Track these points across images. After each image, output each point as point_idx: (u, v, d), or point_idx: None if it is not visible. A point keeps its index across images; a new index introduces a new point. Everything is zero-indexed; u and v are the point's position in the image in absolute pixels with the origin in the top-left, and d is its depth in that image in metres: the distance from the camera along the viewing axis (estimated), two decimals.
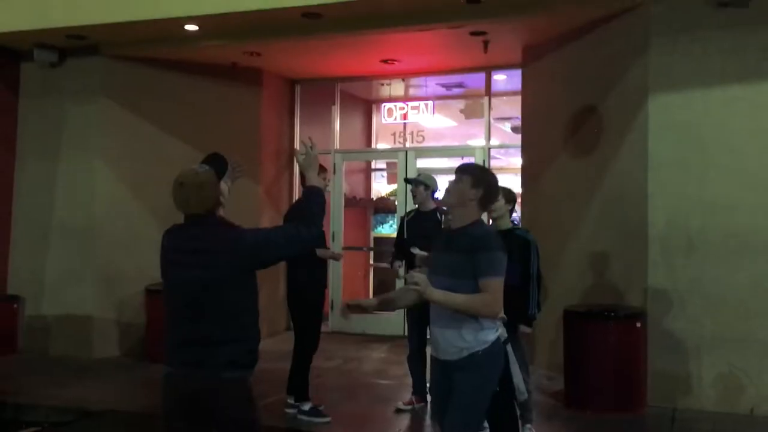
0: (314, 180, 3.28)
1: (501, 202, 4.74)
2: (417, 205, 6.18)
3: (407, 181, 6.45)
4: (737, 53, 6.01)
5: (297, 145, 9.65)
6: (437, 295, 3.30)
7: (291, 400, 5.77)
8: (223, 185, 3.20)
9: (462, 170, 3.57)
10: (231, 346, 3.04)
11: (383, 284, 9.64)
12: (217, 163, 3.23)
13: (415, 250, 5.34)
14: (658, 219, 6.18)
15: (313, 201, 3.25)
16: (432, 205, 6.09)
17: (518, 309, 4.70)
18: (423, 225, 6.02)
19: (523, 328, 4.90)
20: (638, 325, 5.99)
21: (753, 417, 5.84)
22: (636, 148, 6.35)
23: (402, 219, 6.46)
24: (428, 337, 3.98)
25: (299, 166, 3.33)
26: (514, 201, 5.11)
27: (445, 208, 6.72)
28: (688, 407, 5.99)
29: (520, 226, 5.38)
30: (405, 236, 6.12)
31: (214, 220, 3.12)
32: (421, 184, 6.07)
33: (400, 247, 6.17)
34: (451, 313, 3.36)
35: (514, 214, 6.26)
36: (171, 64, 8.30)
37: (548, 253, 5.76)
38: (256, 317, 3.17)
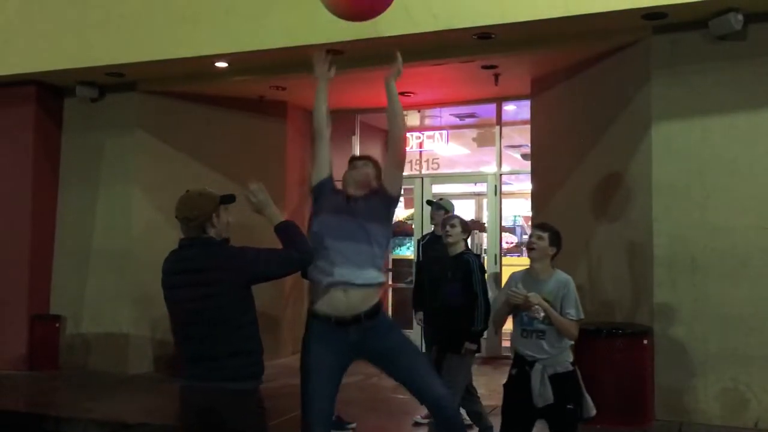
0: (275, 216, 3.36)
1: (458, 229, 5.06)
2: (432, 228, 6.20)
3: (429, 203, 6.46)
4: (735, 83, 6.00)
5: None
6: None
7: None
8: (224, 215, 3.21)
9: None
10: (236, 359, 3.07)
11: (401, 303, 9.62)
12: (227, 196, 3.27)
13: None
14: (662, 241, 6.14)
15: (289, 233, 3.35)
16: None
17: (463, 327, 4.88)
18: (437, 248, 6.02)
19: (469, 345, 4.94)
20: (645, 342, 5.94)
21: (757, 430, 5.74)
22: (640, 174, 6.34)
23: (418, 243, 6.47)
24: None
25: (254, 211, 3.35)
26: (469, 232, 5.36)
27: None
28: (693, 421, 5.90)
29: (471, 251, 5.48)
30: (421, 258, 6.14)
31: (206, 241, 3.14)
32: (442, 208, 6.11)
33: (419, 297, 6.13)
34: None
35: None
36: (202, 98, 8.42)
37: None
38: (256, 329, 3.19)
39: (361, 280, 3.62)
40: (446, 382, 4.13)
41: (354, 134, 9.81)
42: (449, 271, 5.06)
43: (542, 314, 3.78)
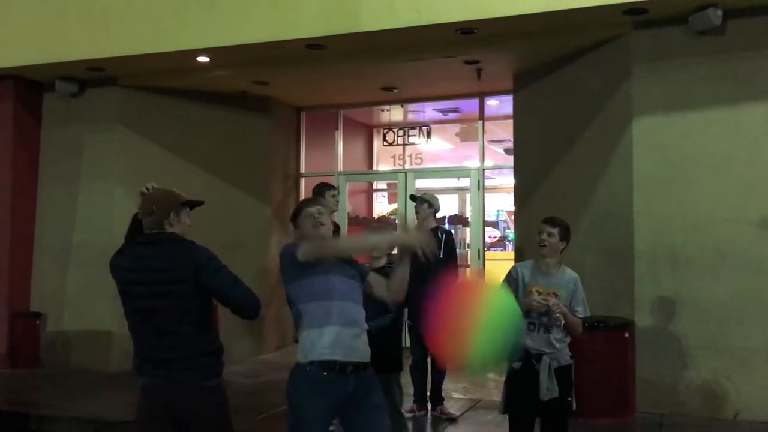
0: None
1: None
2: (417, 223, 6.18)
3: (412, 198, 6.41)
4: (714, 79, 6.05)
5: (303, 168, 9.70)
6: None
7: None
8: (184, 216, 3.19)
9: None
10: (201, 357, 3.06)
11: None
12: (193, 201, 3.25)
13: None
14: (643, 235, 6.19)
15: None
16: (433, 224, 6.09)
17: None
18: None
19: None
20: (626, 335, 5.99)
21: (736, 422, 5.81)
22: (621, 169, 6.38)
23: None
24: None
25: None
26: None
27: (447, 227, 6.77)
28: (674, 413, 5.97)
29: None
30: None
31: (166, 237, 3.11)
32: (425, 202, 6.07)
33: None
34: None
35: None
36: (184, 93, 8.36)
37: None
38: (215, 328, 3.19)
39: (363, 324, 3.26)
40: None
41: (337, 129, 9.80)
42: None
43: (563, 321, 3.79)
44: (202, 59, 7.31)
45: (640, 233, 6.20)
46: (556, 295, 3.84)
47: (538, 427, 3.93)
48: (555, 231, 3.90)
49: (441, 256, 6.06)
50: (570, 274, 3.97)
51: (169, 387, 3.05)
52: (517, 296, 3.86)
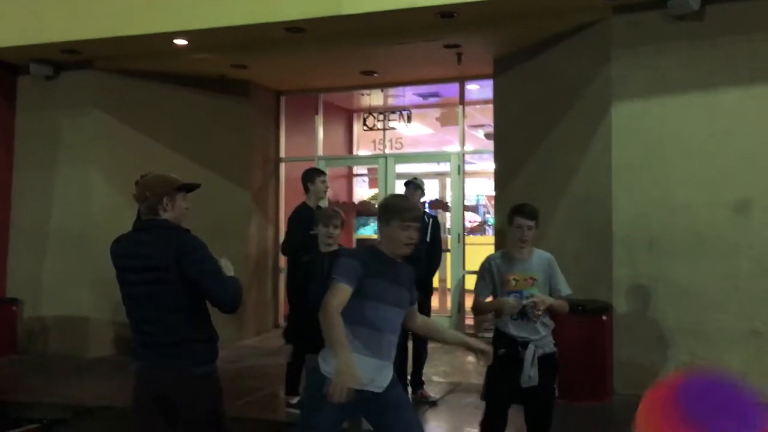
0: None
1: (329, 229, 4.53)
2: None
3: (408, 183, 6.41)
4: (693, 63, 6.09)
5: (283, 153, 9.64)
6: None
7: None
8: (179, 200, 3.16)
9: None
10: (193, 344, 3.07)
11: None
12: (188, 184, 3.22)
13: None
14: (622, 219, 6.25)
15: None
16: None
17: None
18: None
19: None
20: (604, 318, 6.05)
21: None
22: (600, 153, 6.42)
23: None
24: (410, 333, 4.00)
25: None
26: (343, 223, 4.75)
27: (432, 212, 6.82)
28: None
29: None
30: None
31: (158, 223, 3.10)
32: (419, 188, 6.17)
33: None
34: None
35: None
36: (162, 77, 8.25)
37: None
38: (208, 315, 3.17)
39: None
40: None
41: (317, 113, 9.75)
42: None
43: (543, 315, 3.79)
44: (180, 42, 7.22)
45: (618, 217, 6.25)
46: (534, 280, 3.84)
47: (516, 415, 3.94)
48: (533, 224, 3.85)
49: (428, 241, 6.14)
50: (543, 255, 3.95)
51: (162, 372, 3.06)
52: (494, 288, 3.88)
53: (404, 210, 3.17)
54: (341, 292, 3.00)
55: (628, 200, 6.23)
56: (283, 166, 9.63)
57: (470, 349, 3.38)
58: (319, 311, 3.00)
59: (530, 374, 3.75)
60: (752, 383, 1.18)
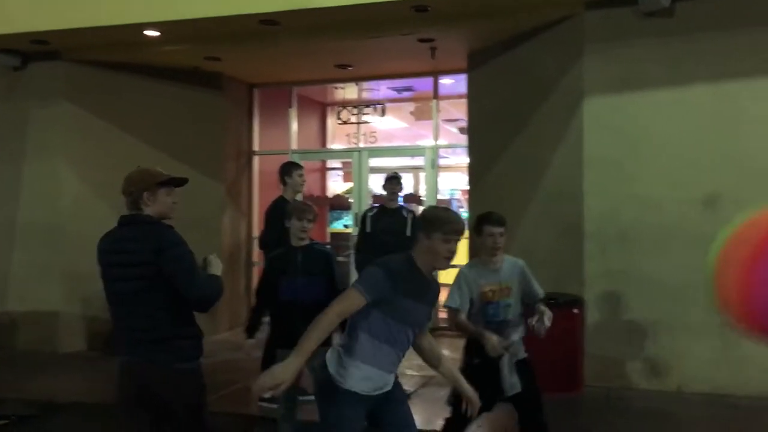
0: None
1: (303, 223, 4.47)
2: (381, 203, 6.36)
3: (391, 177, 6.46)
4: (663, 60, 6.17)
5: (256, 146, 9.59)
6: None
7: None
8: (163, 195, 3.13)
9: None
10: (176, 340, 3.07)
11: (340, 276, 9.63)
12: (174, 179, 3.21)
13: None
14: (593, 214, 6.32)
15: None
16: (398, 203, 6.35)
17: None
18: (390, 221, 6.20)
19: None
20: (575, 311, 6.12)
21: (680, 393, 6.02)
22: (573, 148, 6.48)
23: (365, 214, 6.49)
24: None
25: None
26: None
27: (410, 206, 6.89)
28: (622, 386, 6.15)
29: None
30: (369, 230, 6.23)
31: (140, 218, 3.08)
32: (401, 183, 6.36)
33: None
34: None
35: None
36: (133, 68, 8.14)
37: None
38: (191, 311, 3.16)
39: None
40: None
41: (291, 107, 9.70)
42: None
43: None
44: (151, 33, 7.13)
45: (589, 212, 6.33)
46: (510, 289, 3.85)
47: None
48: (503, 230, 3.86)
49: (408, 235, 6.21)
50: (514, 262, 3.96)
51: (146, 367, 3.05)
52: (471, 300, 3.84)
53: (446, 222, 3.09)
54: (353, 302, 2.96)
55: (599, 195, 6.31)
56: (256, 160, 9.57)
57: (461, 392, 3.34)
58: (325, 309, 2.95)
59: (512, 382, 3.77)
60: None
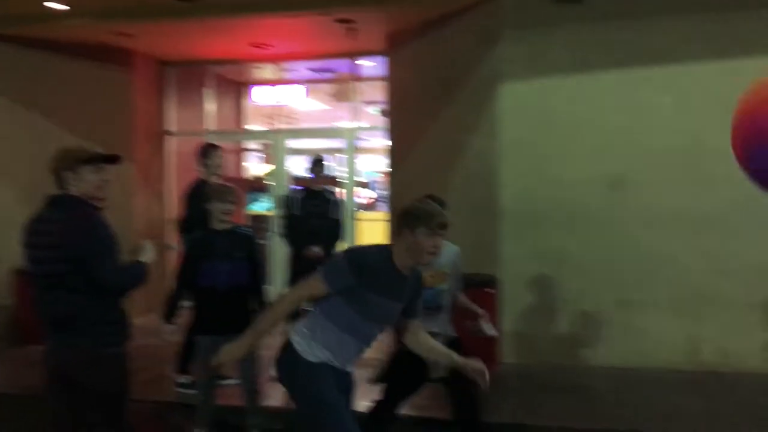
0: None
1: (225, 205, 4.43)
2: (306, 186, 6.37)
3: (316, 161, 6.43)
4: (574, 46, 6.39)
5: (170, 127, 9.33)
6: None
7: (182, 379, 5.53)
8: (88, 173, 3.02)
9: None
10: (99, 325, 3.00)
11: (262, 260, 9.54)
12: (101, 156, 3.11)
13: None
14: (508, 194, 6.50)
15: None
16: (321, 187, 6.37)
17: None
18: (316, 203, 6.22)
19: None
20: (490, 290, 6.28)
21: (590, 368, 6.30)
22: (489, 132, 6.63)
23: (292, 198, 6.42)
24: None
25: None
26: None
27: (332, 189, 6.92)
28: (536, 362, 6.38)
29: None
30: (298, 213, 6.22)
31: (61, 198, 2.99)
32: (324, 166, 6.33)
33: (297, 240, 6.20)
34: None
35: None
36: (38, 43, 7.75)
37: None
38: (116, 296, 3.10)
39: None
40: None
41: (207, 86, 9.48)
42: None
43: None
44: (56, 6, 6.80)
45: (505, 193, 6.50)
46: (446, 274, 3.88)
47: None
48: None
49: (332, 217, 6.21)
50: (451, 248, 3.96)
51: (68, 352, 2.97)
52: None
53: (431, 216, 3.00)
54: (312, 290, 2.92)
55: (514, 177, 6.49)
56: (171, 141, 9.31)
57: (465, 371, 3.23)
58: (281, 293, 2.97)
59: (440, 364, 3.72)
60: None
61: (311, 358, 2.96)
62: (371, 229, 8.99)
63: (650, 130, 6.28)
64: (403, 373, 3.82)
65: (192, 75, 9.53)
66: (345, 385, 3.08)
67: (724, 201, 6.04)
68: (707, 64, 6.15)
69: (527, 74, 6.48)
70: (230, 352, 2.93)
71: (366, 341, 3.07)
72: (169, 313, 4.33)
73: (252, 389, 4.35)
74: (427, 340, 3.27)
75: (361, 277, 2.87)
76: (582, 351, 6.38)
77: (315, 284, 2.91)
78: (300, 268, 6.15)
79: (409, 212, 3.04)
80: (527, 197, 6.46)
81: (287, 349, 3.01)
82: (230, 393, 4.75)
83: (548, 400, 5.54)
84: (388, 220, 7.92)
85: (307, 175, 6.55)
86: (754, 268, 6.08)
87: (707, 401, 5.45)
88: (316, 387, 2.93)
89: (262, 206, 10.24)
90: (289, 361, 2.99)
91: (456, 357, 3.24)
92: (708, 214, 6.14)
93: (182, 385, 5.51)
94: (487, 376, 3.20)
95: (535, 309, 6.46)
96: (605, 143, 6.36)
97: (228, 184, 4.96)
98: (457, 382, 3.80)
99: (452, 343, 3.87)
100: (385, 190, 10.17)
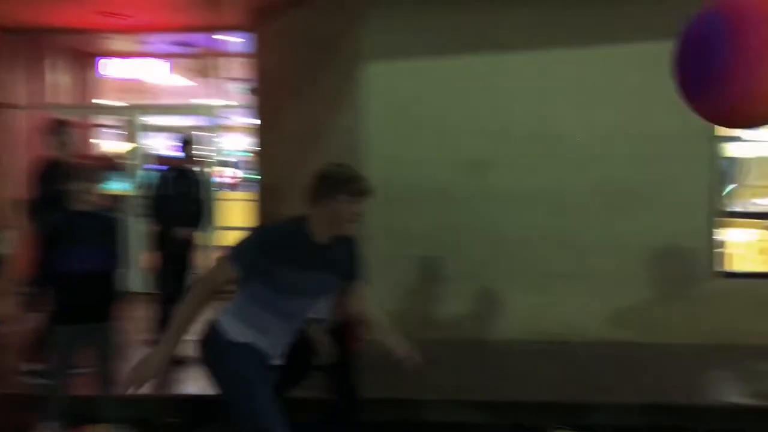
0: None
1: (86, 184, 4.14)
2: (173, 166, 6.25)
3: (185, 140, 6.31)
4: (434, 29, 6.57)
5: (9, 99, 8.62)
6: None
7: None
8: None
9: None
10: None
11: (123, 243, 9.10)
12: None
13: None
14: (372, 176, 6.54)
15: None
16: (189, 166, 6.30)
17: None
18: (185, 183, 6.15)
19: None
20: None
21: (449, 342, 6.50)
22: (353, 112, 6.67)
23: (163, 175, 6.23)
24: None
25: None
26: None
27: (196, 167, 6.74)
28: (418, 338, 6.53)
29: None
30: (171, 193, 6.04)
31: None
32: (192, 144, 6.26)
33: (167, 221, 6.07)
34: None
35: None
36: None
37: (280, 214, 5.89)
38: None
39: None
40: None
41: (49, 57, 8.80)
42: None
43: None
44: None
45: (369, 174, 6.54)
46: None
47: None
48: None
49: (196, 197, 6.17)
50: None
51: None
52: None
53: (352, 181, 2.89)
54: (220, 274, 2.80)
55: (378, 158, 6.58)
56: (8, 114, 8.58)
57: (394, 352, 3.22)
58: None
59: (327, 350, 3.78)
60: None
61: (234, 338, 2.89)
62: (235, 209, 8.80)
63: (509, 114, 6.55)
64: (290, 361, 3.78)
65: (38, 45, 8.83)
66: (268, 368, 3.02)
67: (578, 183, 6.44)
68: (566, 51, 6.48)
69: (392, 55, 6.56)
70: (149, 365, 2.67)
71: (291, 318, 2.99)
72: (31, 301, 4.02)
73: (108, 377, 4.14)
74: (370, 302, 3.28)
75: (268, 254, 2.79)
76: (444, 326, 6.61)
77: (221, 267, 2.82)
78: (167, 250, 6.01)
79: (328, 177, 2.92)
80: (391, 178, 6.56)
81: (212, 329, 2.92)
82: (86, 382, 4.49)
83: (411, 374, 5.67)
84: (253, 200, 7.77)
85: (177, 153, 6.34)
86: (596, 245, 6.53)
87: (555, 368, 5.89)
88: (235, 365, 2.87)
89: (117, 186, 9.73)
90: (211, 340, 2.92)
91: (386, 329, 3.30)
92: (561, 195, 6.52)
93: (31, 374, 5.16)
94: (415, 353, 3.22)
95: (404, 286, 6.62)
96: (464, 126, 6.58)
97: (89, 162, 4.67)
98: (338, 368, 3.92)
99: (337, 328, 3.87)
100: (250, 169, 9.98)
